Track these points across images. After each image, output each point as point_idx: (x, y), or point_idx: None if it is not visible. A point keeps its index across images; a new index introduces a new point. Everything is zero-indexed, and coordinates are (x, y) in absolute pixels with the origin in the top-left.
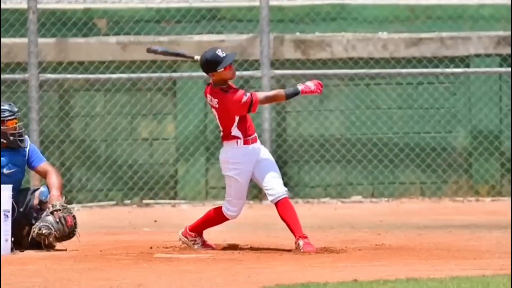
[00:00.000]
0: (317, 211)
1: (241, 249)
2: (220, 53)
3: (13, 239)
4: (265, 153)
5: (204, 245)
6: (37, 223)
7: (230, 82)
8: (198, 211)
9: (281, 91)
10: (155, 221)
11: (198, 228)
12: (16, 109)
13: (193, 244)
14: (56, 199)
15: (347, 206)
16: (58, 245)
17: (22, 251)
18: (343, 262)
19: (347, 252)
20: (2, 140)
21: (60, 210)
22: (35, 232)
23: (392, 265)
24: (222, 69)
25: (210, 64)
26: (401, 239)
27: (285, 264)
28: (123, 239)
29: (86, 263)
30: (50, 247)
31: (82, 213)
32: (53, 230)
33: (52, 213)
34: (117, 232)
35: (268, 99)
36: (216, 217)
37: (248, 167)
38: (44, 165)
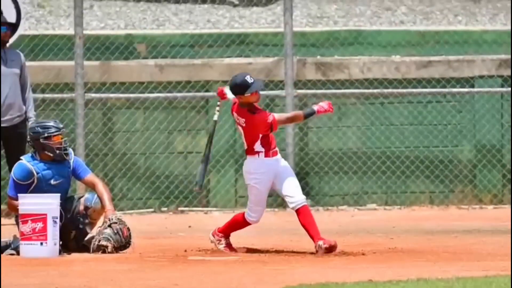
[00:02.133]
0: (335, 218)
1: (267, 252)
2: (249, 79)
3: (61, 242)
4: (284, 165)
5: (228, 246)
6: (96, 236)
7: (256, 104)
8: (228, 217)
9: (299, 112)
10: (190, 226)
11: (225, 230)
12: (61, 126)
13: (218, 243)
14: (111, 213)
15: (363, 213)
16: None
17: (69, 254)
18: (359, 264)
19: (363, 255)
20: (48, 153)
21: (116, 223)
22: (95, 244)
23: (404, 267)
24: (249, 94)
25: (239, 88)
26: (412, 243)
27: (307, 265)
28: (160, 243)
29: (127, 265)
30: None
31: (124, 220)
32: (112, 241)
33: (110, 226)
34: (155, 237)
35: (288, 120)
36: (240, 222)
37: (268, 177)
38: (90, 176)
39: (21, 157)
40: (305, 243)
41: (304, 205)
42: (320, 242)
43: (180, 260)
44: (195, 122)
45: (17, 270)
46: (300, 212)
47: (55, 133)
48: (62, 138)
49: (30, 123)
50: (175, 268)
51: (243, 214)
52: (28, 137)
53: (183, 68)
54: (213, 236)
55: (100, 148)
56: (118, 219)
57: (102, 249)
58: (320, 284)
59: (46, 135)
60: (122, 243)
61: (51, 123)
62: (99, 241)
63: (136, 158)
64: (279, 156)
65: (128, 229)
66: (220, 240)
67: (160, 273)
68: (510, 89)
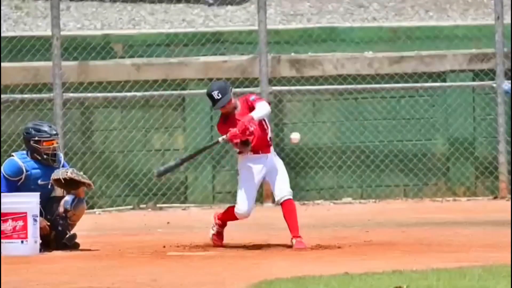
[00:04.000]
0: (312, 212)
1: (245, 246)
2: (215, 95)
3: (41, 241)
4: (276, 160)
5: (217, 235)
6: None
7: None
8: (206, 213)
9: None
10: (168, 223)
11: (223, 218)
12: (54, 132)
13: (212, 227)
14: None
15: (339, 207)
16: (82, 246)
17: (50, 251)
18: (335, 257)
19: (339, 248)
20: (37, 156)
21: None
22: (60, 176)
23: (379, 259)
24: (219, 109)
25: (209, 100)
26: (387, 236)
27: (284, 259)
28: (140, 239)
29: (107, 261)
30: (75, 246)
31: (103, 217)
32: (75, 172)
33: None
34: (134, 233)
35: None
36: (232, 214)
37: (255, 172)
38: None
39: (13, 154)
40: (282, 238)
41: (288, 198)
42: (294, 241)
43: (159, 256)
44: (171, 120)
45: None
46: (283, 205)
47: (46, 139)
48: (53, 144)
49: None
50: (154, 264)
51: (233, 207)
52: (22, 135)
53: (159, 67)
54: (213, 218)
55: (78, 147)
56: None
57: (61, 171)
58: (296, 278)
59: (37, 138)
60: (87, 178)
61: (45, 128)
62: (66, 173)
63: (115, 156)
64: (272, 153)
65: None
66: (214, 225)
67: (140, 269)
68: (481, 83)
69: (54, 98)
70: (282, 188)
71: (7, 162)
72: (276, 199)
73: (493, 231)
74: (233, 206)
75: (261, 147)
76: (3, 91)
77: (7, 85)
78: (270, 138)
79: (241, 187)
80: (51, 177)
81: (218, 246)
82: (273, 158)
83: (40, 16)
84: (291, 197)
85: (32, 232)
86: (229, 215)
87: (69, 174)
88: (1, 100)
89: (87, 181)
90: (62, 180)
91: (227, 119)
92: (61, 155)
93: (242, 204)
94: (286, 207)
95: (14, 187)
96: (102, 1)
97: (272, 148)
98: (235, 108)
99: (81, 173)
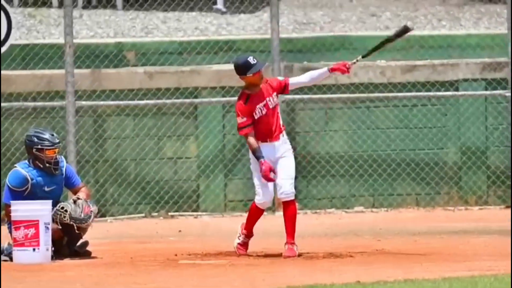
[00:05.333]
0: (323, 220)
1: (257, 255)
2: (251, 60)
3: (53, 248)
4: (285, 150)
5: (242, 245)
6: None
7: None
8: (217, 221)
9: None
10: (180, 231)
11: (247, 226)
12: (57, 141)
13: (238, 237)
14: (82, 196)
15: (351, 216)
16: (93, 253)
17: (62, 259)
18: (347, 265)
19: (351, 257)
20: (39, 164)
21: (81, 199)
22: (54, 210)
23: (390, 268)
24: (251, 74)
25: (241, 69)
26: (399, 245)
27: (296, 268)
28: (151, 247)
29: (119, 269)
30: (86, 254)
31: (115, 225)
32: (69, 209)
33: (74, 201)
34: (145, 241)
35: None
36: (252, 214)
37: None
38: (81, 185)
39: (16, 165)
40: None
41: (290, 199)
42: (286, 247)
43: (171, 264)
44: (184, 128)
45: (10, 276)
46: (285, 204)
47: (48, 148)
48: (55, 153)
49: None
50: (166, 272)
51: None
52: (24, 143)
53: (172, 75)
54: (240, 227)
55: (91, 155)
56: (86, 200)
57: (59, 213)
58: (308, 286)
59: (39, 146)
60: (80, 217)
61: (47, 136)
62: (61, 207)
63: (127, 164)
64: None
65: (92, 211)
66: (239, 235)
67: (151, 277)
68: (493, 92)
69: (67, 106)
70: (283, 184)
71: (12, 174)
72: (279, 195)
73: (505, 240)
74: (250, 211)
75: (269, 136)
76: (15, 98)
77: (19, 93)
78: (282, 125)
79: (255, 177)
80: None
81: (242, 255)
82: (282, 147)
83: (53, 24)
84: (293, 197)
85: (44, 240)
86: (251, 217)
87: (66, 220)
88: (14, 108)
89: (84, 226)
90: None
91: (248, 100)
92: (63, 160)
93: (259, 193)
94: (287, 209)
95: (20, 198)
96: (115, 9)
97: (282, 135)
98: (260, 82)
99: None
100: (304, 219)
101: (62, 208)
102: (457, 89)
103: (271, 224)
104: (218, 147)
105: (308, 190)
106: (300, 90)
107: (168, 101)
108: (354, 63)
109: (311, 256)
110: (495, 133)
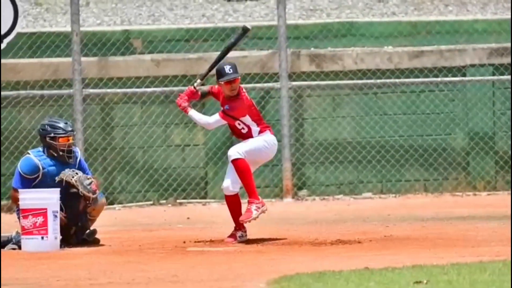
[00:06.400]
0: (332, 206)
1: (265, 242)
2: (227, 69)
3: (61, 237)
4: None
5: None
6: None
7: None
8: (226, 209)
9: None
10: (188, 218)
11: (235, 222)
12: (70, 129)
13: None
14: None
15: (359, 202)
16: (102, 241)
17: (70, 247)
18: (355, 252)
19: (359, 243)
20: (52, 152)
21: (94, 179)
22: (64, 177)
23: (399, 254)
24: (222, 82)
25: (216, 73)
26: (407, 231)
27: (304, 254)
28: (159, 235)
29: (127, 257)
30: (95, 242)
31: (123, 212)
32: (80, 174)
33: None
34: (154, 229)
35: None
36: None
37: None
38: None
39: (29, 151)
40: (302, 233)
41: (240, 158)
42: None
43: (179, 252)
44: None
45: (18, 264)
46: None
47: (61, 135)
48: (68, 141)
49: None
50: (174, 260)
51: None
52: (38, 132)
53: (179, 62)
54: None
55: (99, 143)
56: (94, 177)
57: (70, 173)
58: (317, 273)
59: (52, 135)
60: (88, 192)
61: (61, 124)
62: (72, 170)
63: (134, 152)
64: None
65: (98, 194)
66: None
67: (160, 265)
68: (500, 77)
69: (74, 94)
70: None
71: (23, 160)
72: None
73: None
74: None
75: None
76: (22, 87)
77: (27, 81)
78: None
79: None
80: (59, 176)
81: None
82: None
83: (60, 12)
84: (234, 158)
85: (52, 228)
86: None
87: (73, 180)
88: (21, 96)
89: (87, 193)
90: (64, 183)
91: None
92: (78, 151)
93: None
94: (236, 165)
95: (30, 186)
96: None
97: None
98: (230, 92)
99: (91, 180)
100: (313, 206)
101: (73, 171)
102: (464, 75)
103: (279, 210)
104: (225, 134)
105: (316, 176)
106: (307, 76)
107: (175, 88)
108: (195, 87)
109: (320, 243)
110: (502, 118)
